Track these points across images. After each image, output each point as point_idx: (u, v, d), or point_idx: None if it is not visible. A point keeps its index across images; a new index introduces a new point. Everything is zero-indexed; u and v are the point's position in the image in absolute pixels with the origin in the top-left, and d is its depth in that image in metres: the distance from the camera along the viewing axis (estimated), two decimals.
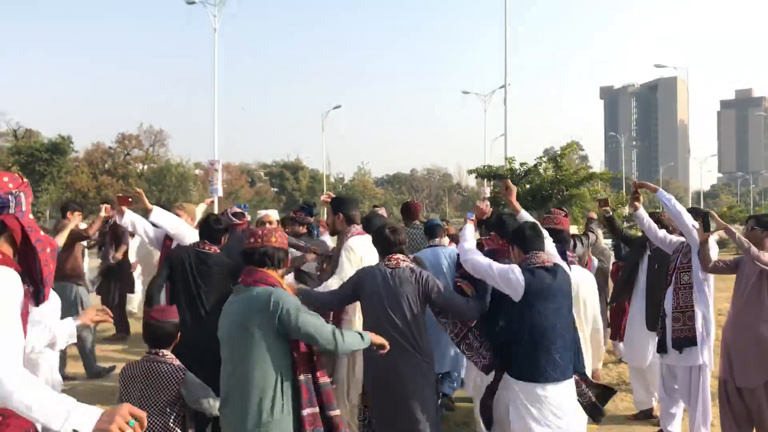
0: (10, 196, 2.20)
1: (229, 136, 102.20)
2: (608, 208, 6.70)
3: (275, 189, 72.69)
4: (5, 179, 2.20)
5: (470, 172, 22.35)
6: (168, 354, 3.74)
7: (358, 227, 4.85)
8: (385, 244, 4.16)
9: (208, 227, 5.01)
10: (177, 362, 3.72)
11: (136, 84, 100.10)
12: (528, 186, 18.23)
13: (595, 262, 8.32)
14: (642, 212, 5.43)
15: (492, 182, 22.69)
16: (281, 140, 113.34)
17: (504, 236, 4.56)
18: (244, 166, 72.44)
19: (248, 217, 6.38)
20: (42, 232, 2.32)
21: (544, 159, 18.77)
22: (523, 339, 3.81)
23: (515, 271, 3.84)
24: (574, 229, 14.05)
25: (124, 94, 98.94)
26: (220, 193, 27.46)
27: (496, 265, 3.93)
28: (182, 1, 28.56)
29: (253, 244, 3.32)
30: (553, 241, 4.29)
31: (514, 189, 4.57)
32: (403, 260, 4.11)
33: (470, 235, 4.41)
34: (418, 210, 7.22)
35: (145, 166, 54.34)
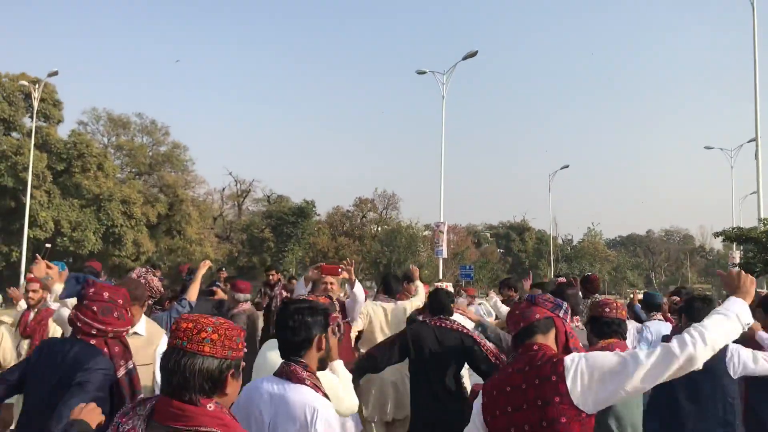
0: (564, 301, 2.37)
1: (456, 198, 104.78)
2: None
3: (501, 250, 72.38)
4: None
5: (716, 235, 20.28)
6: None
7: None
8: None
9: (440, 301, 4.58)
10: None
11: (372, 150, 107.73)
12: None
13: None
14: None
15: (741, 246, 20.27)
16: (508, 201, 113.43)
17: None
18: (470, 227, 73.45)
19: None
20: None
21: None
22: None
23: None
24: None
25: (361, 160, 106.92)
26: (445, 255, 28.01)
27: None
28: (413, 71, 30.58)
29: (608, 314, 3.30)
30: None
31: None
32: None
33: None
34: (598, 283, 7.22)
35: (379, 228, 57.52)
